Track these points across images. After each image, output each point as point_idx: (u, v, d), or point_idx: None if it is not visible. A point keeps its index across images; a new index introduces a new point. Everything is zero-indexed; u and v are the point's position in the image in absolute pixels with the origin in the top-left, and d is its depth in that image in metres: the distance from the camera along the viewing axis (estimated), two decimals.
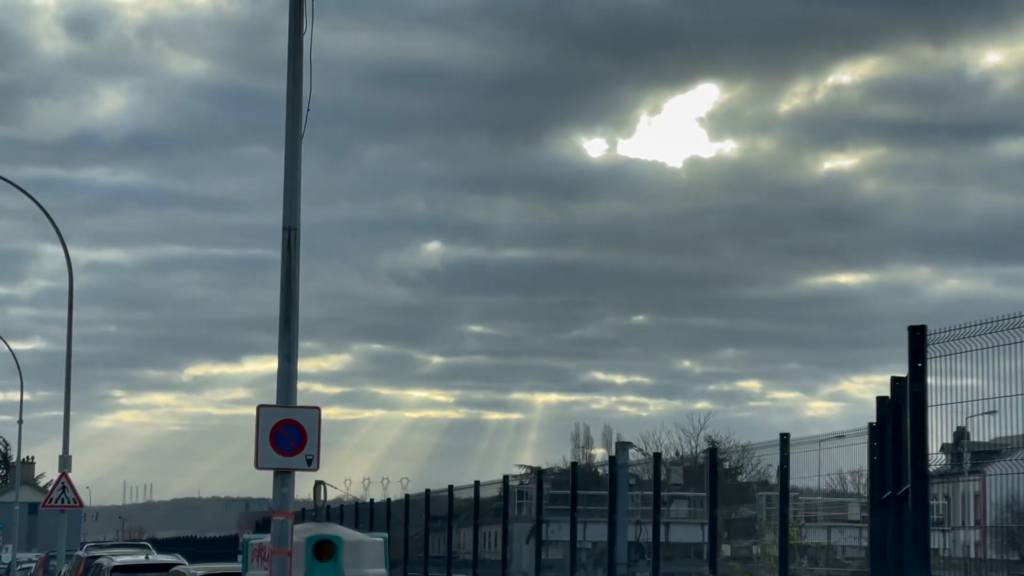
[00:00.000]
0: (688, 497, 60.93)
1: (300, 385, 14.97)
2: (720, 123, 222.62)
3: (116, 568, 25.19)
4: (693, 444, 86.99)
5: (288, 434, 14.88)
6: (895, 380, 10.14)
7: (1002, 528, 22.87)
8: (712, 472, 18.34)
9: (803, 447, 16.75)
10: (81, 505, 36.60)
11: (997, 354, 10.16)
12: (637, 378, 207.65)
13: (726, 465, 76.31)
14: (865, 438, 13.40)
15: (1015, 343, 10.16)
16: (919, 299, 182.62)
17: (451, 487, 31.02)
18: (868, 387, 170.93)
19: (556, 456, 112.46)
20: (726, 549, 60.14)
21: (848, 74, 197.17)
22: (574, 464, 25.59)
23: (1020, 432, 10.57)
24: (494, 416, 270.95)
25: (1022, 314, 10.43)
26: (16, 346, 61.90)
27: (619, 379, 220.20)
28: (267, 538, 16.01)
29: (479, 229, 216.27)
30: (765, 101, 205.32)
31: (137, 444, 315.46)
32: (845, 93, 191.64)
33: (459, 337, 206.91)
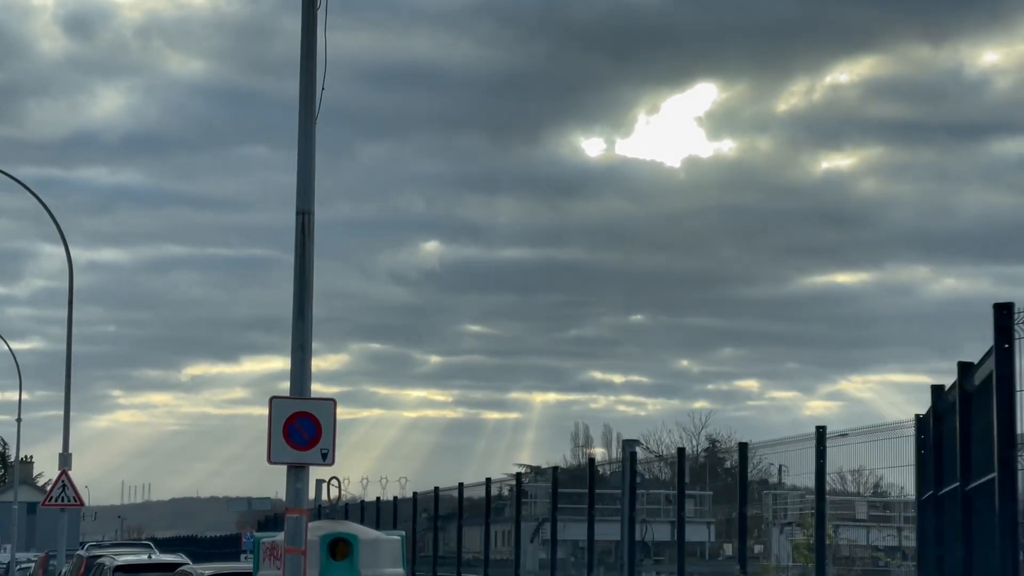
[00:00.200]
0: (694, 496, 60.37)
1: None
2: (718, 123, 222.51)
3: (119, 568, 24.56)
4: (694, 443, 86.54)
5: (302, 427, 14.20)
6: (963, 365, 9.49)
7: None
8: (743, 469, 17.67)
9: (839, 441, 16.06)
10: (82, 504, 35.97)
11: None
12: (635, 377, 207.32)
13: (727, 464, 75.89)
14: (911, 431, 12.77)
15: None
16: (917, 298, 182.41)
17: (461, 484, 30.42)
18: (866, 386, 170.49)
19: (555, 456, 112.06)
20: (727, 548, 59.67)
21: (846, 74, 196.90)
22: (591, 460, 24.98)
23: None
24: (492, 415, 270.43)
25: None
26: (14, 346, 61.28)
27: (617, 378, 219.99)
28: (279, 536, 15.37)
29: (477, 228, 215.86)
30: (763, 101, 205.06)
31: (135, 444, 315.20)
32: (843, 93, 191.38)
33: (457, 337, 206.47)
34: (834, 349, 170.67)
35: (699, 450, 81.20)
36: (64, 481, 35.49)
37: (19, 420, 64.18)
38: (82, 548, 40.67)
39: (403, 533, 15.90)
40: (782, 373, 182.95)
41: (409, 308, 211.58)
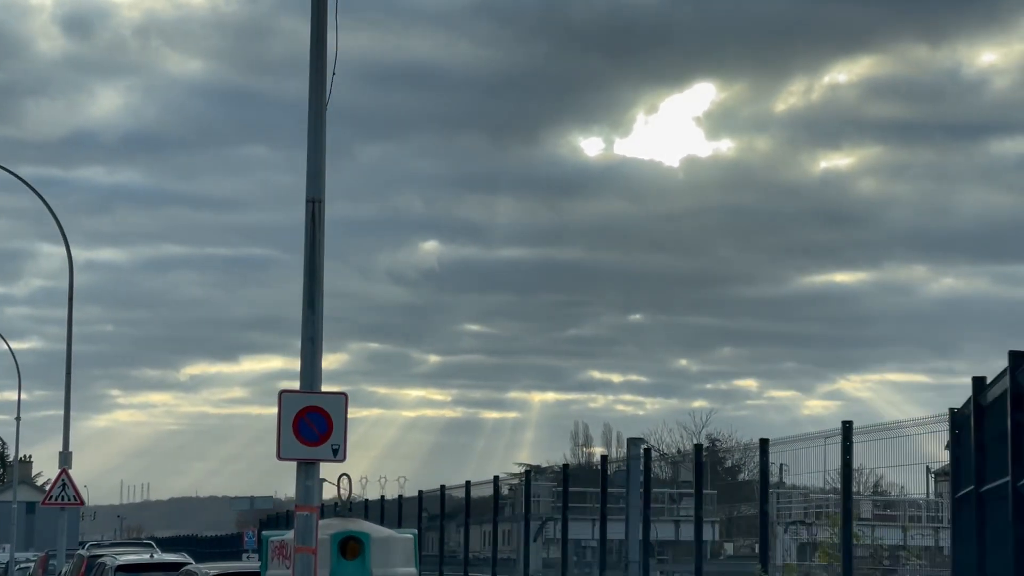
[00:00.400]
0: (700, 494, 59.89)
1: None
2: (717, 122, 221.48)
3: (120, 567, 24.13)
4: (695, 442, 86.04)
5: (313, 422, 13.77)
6: (1015, 355, 9.06)
7: None
8: (763, 467, 17.22)
9: (868, 434, 15.63)
10: (82, 502, 35.52)
11: None
12: (634, 377, 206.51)
13: (728, 463, 75.57)
14: (945, 425, 12.34)
15: None
16: (916, 298, 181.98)
17: (468, 483, 29.96)
18: (865, 385, 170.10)
19: (554, 455, 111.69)
20: (729, 548, 59.09)
21: (844, 73, 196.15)
22: (604, 458, 24.53)
23: None
24: (491, 415, 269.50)
25: None
26: (13, 345, 60.75)
27: (616, 378, 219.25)
28: (288, 535, 14.95)
29: (476, 228, 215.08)
30: (761, 100, 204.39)
31: (134, 443, 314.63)
32: (841, 92, 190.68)
33: (456, 336, 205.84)
34: (833, 349, 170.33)
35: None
36: (64, 480, 35.04)
37: (18, 419, 63.76)
38: (82, 548, 40.23)
39: (415, 531, 15.47)
40: (781, 373, 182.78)
41: (408, 308, 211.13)
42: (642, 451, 25.53)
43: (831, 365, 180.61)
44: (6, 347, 60.31)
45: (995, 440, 9.27)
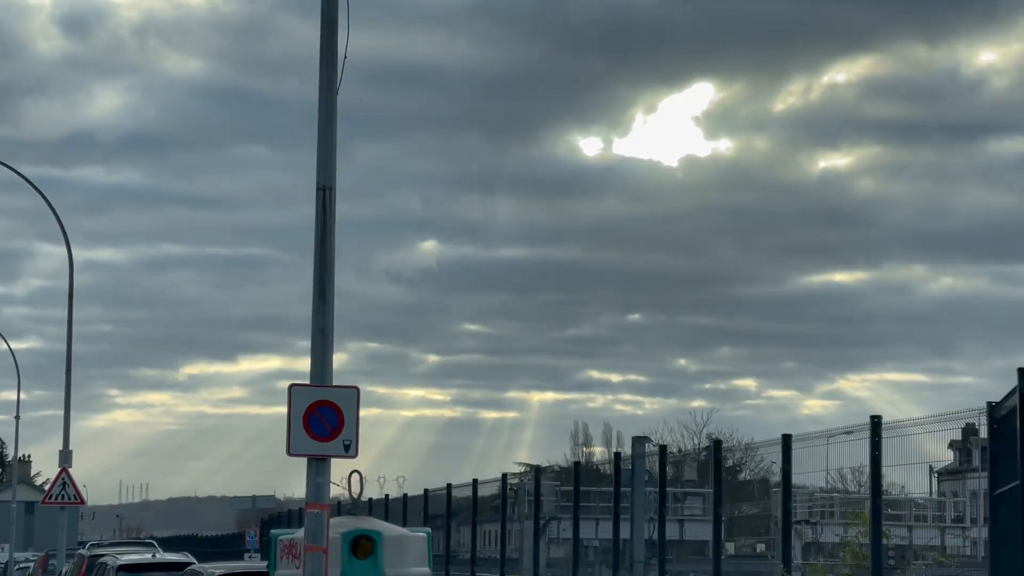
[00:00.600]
0: (701, 494, 59.56)
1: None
2: (715, 122, 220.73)
3: (122, 567, 23.68)
4: (696, 441, 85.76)
5: (324, 416, 13.32)
6: None
7: None
8: (786, 464, 16.73)
9: (894, 430, 15.18)
10: (82, 501, 35.04)
11: None
12: (633, 376, 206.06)
13: (729, 463, 75.00)
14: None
15: None
16: (914, 297, 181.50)
17: (475, 480, 29.51)
18: (864, 385, 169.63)
19: (553, 455, 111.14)
20: (730, 547, 58.66)
21: (843, 73, 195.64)
22: (617, 455, 24.10)
23: None
24: (490, 415, 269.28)
25: None
26: (11, 345, 60.25)
27: (615, 377, 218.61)
28: (298, 533, 14.50)
29: (475, 228, 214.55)
30: (760, 100, 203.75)
31: (133, 443, 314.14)
32: (840, 92, 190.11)
33: (455, 336, 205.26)
34: (832, 348, 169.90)
35: (700, 448, 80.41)
36: (64, 478, 34.56)
37: (17, 418, 63.28)
38: (82, 547, 39.76)
39: (428, 530, 15.00)
40: (780, 372, 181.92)
41: (406, 307, 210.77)
42: (656, 448, 25.14)
43: (830, 365, 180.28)
44: (5, 347, 59.88)
45: None
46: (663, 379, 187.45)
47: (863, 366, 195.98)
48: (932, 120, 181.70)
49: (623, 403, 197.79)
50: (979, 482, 60.73)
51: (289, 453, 13.27)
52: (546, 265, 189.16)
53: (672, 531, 54.73)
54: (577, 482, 24.57)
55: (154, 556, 26.19)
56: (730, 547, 58.73)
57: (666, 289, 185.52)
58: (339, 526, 14.04)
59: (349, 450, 13.39)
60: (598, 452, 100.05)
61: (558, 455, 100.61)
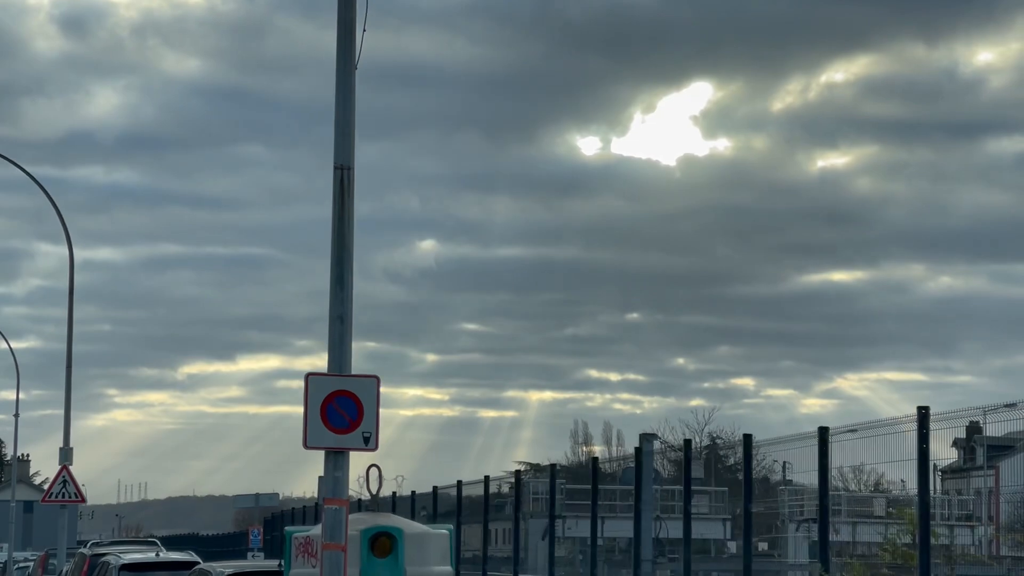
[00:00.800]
0: (709, 492, 59.07)
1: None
2: (714, 121, 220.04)
3: (125, 566, 23.07)
4: (698, 440, 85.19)
5: (342, 407, 12.65)
6: None
7: None
8: (822, 459, 16.06)
9: (944, 421, 14.56)
10: (83, 499, 34.34)
11: None
12: (631, 376, 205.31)
13: (730, 461, 74.50)
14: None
15: None
16: (913, 297, 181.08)
17: (487, 477, 28.86)
18: (862, 384, 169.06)
19: (552, 453, 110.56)
20: (732, 546, 58.00)
21: (841, 72, 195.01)
22: (637, 450, 23.41)
23: None
24: (489, 414, 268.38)
25: None
26: (11, 346, 59.52)
27: (613, 377, 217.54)
28: (313, 530, 13.84)
29: (473, 227, 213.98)
30: (758, 99, 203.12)
31: (132, 443, 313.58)
32: (838, 91, 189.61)
33: (453, 335, 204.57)
34: (830, 347, 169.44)
35: (702, 447, 79.99)
36: (64, 476, 33.89)
37: (16, 416, 62.63)
38: (84, 546, 39.06)
39: (450, 527, 14.32)
40: (778, 371, 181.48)
41: (405, 306, 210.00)
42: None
43: (828, 364, 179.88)
44: (5, 346, 59.29)
45: None
46: (662, 378, 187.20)
47: (861, 365, 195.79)
48: (930, 119, 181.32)
49: (621, 402, 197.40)
50: (984, 480, 60.22)
51: (306, 446, 12.63)
52: (545, 264, 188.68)
53: (678, 529, 54.08)
54: (595, 479, 23.94)
55: (158, 555, 25.56)
56: (732, 546, 58.35)
57: (665, 288, 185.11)
58: (357, 523, 13.38)
59: (369, 443, 12.75)
60: (598, 451, 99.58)
61: (557, 454, 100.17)
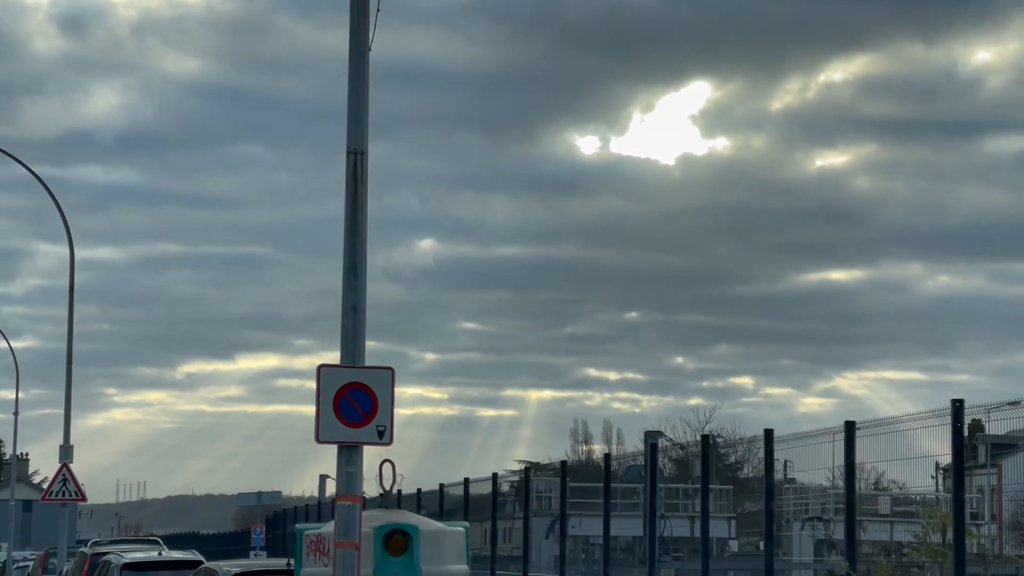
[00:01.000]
0: (712, 490, 58.58)
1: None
2: (712, 121, 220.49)
3: (127, 566, 22.64)
4: (699, 439, 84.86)
5: (355, 400, 12.21)
6: None
7: None
8: (849, 454, 15.60)
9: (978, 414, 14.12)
10: (84, 498, 33.83)
11: None
12: (630, 375, 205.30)
13: (730, 460, 74.04)
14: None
15: None
16: (911, 295, 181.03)
17: (495, 475, 28.47)
18: (861, 383, 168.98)
19: (551, 452, 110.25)
20: (734, 545, 57.63)
21: (840, 72, 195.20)
22: (653, 446, 22.99)
23: None
24: (488, 413, 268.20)
25: None
26: (9, 345, 59.06)
27: (612, 375, 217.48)
28: (325, 528, 13.41)
29: (472, 226, 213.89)
30: (757, 99, 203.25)
31: (130, 442, 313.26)
32: (837, 91, 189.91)
33: (452, 334, 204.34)
34: (828, 346, 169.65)
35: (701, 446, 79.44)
36: (65, 474, 33.40)
37: (16, 414, 62.15)
38: (84, 545, 38.61)
39: (466, 524, 13.88)
40: (776, 370, 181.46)
41: (404, 306, 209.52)
42: (709, 440, 24.09)
43: (827, 363, 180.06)
44: (4, 346, 58.85)
45: None
46: (660, 377, 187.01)
47: (860, 364, 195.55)
48: (929, 119, 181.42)
49: (620, 401, 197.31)
50: (987, 479, 59.86)
51: (318, 440, 12.19)
52: (543, 263, 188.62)
53: (683, 528, 53.72)
54: (608, 475, 23.45)
55: (160, 554, 25.10)
56: (734, 545, 57.94)
57: (663, 287, 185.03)
58: (371, 520, 12.94)
59: (383, 437, 12.30)
60: (598, 449, 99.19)
61: (556, 453, 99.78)
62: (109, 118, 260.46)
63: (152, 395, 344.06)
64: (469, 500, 29.98)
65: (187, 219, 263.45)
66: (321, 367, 12.29)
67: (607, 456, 24.30)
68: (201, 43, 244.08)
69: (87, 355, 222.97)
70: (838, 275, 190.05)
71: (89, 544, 36.93)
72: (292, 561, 15.71)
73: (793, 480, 53.00)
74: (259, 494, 51.37)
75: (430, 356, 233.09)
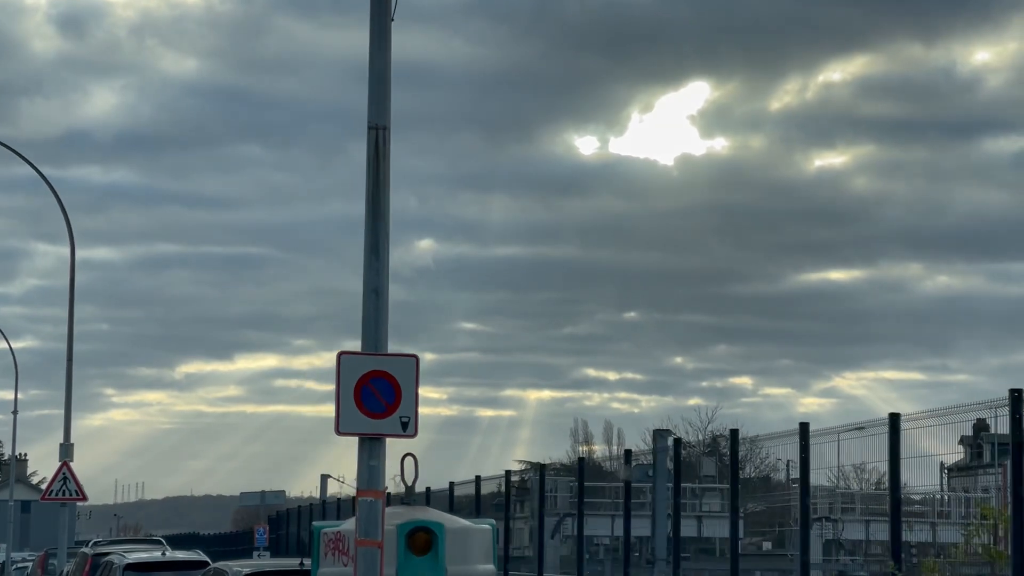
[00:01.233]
0: (722, 489, 57.97)
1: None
2: (711, 121, 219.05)
3: (129, 566, 21.96)
4: (701, 438, 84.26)
5: (377, 389, 11.49)
6: None
7: None
8: (894, 447, 14.87)
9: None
10: (84, 497, 33.10)
11: None
12: (629, 375, 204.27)
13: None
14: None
15: None
16: (910, 295, 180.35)
17: (508, 473, 27.75)
18: (860, 383, 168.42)
19: (553, 452, 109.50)
20: (740, 545, 56.78)
21: (839, 72, 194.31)
22: (677, 441, 22.23)
23: None
24: (487, 413, 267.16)
25: None
26: (6, 345, 58.27)
27: (611, 375, 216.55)
28: (344, 525, 12.69)
29: (471, 226, 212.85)
30: (756, 99, 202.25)
31: (129, 442, 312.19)
32: (835, 91, 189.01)
33: (451, 334, 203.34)
34: (828, 346, 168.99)
35: (704, 446, 79.15)
36: (65, 473, 32.67)
37: (15, 413, 61.43)
38: (85, 545, 37.88)
39: (492, 522, 13.14)
40: (776, 370, 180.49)
41: (403, 306, 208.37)
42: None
43: (826, 363, 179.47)
44: (2, 346, 58.17)
45: None
46: (659, 377, 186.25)
47: (859, 364, 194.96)
48: (927, 119, 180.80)
49: (619, 401, 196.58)
50: (994, 478, 59.27)
51: (338, 432, 11.47)
52: (542, 263, 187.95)
53: (690, 528, 52.92)
54: (627, 476, 22.72)
55: (164, 555, 24.39)
56: (738, 545, 57.23)
57: (662, 287, 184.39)
58: (393, 517, 12.20)
59: (407, 428, 11.59)
60: (598, 449, 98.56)
61: (556, 453, 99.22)
62: (107, 118, 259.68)
63: (150, 395, 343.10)
64: (465, 501, 29.42)
65: (186, 219, 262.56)
66: (341, 354, 11.58)
67: (627, 452, 23.50)
68: (200, 43, 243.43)
69: (85, 355, 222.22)
70: (837, 275, 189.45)
71: (90, 544, 36.19)
72: (305, 561, 15.01)
73: (796, 480, 52.28)
74: (262, 493, 50.70)
75: (429, 356, 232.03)
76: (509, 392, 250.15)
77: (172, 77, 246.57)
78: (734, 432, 18.69)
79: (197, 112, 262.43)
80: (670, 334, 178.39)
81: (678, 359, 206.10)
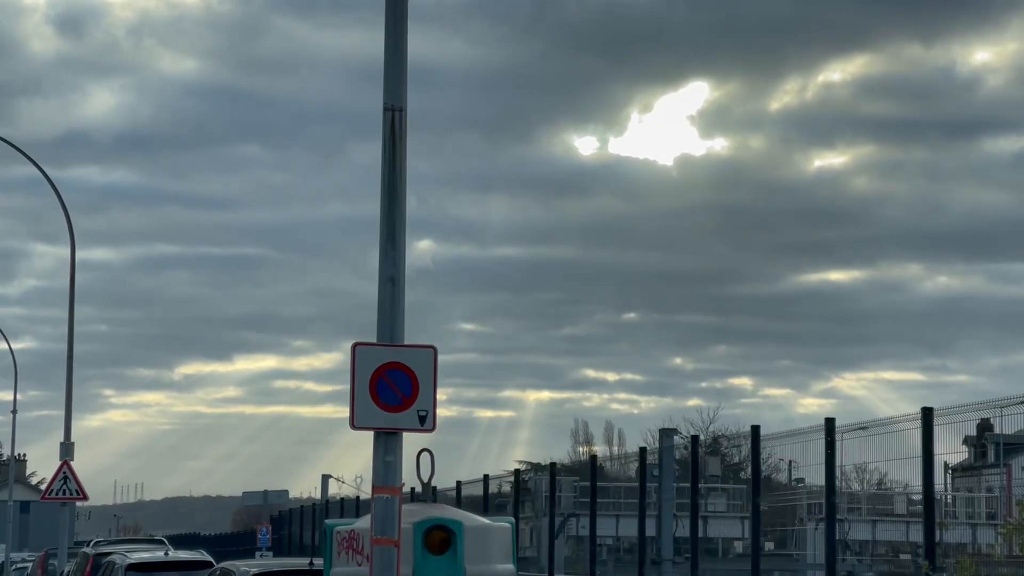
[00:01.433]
0: (727, 489, 57.56)
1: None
2: (711, 121, 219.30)
3: (132, 566, 21.56)
4: (703, 439, 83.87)
5: (394, 381, 11.04)
6: None
7: None
8: (927, 442, 14.43)
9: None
10: (85, 497, 32.64)
11: None
12: (628, 375, 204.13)
13: (735, 459, 72.89)
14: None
15: None
16: (910, 296, 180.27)
17: (517, 471, 27.38)
18: (859, 384, 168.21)
19: (552, 453, 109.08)
20: (738, 546, 56.32)
21: (838, 72, 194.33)
22: (695, 438, 21.81)
23: None
24: (486, 414, 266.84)
25: None
26: (5, 345, 57.87)
27: (611, 376, 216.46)
28: (358, 523, 12.24)
29: (470, 227, 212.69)
30: (756, 99, 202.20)
31: (128, 443, 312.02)
32: (835, 91, 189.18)
33: (450, 335, 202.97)
34: (827, 347, 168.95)
35: (706, 446, 78.75)
36: (65, 472, 32.21)
37: (14, 413, 60.99)
38: (86, 545, 37.44)
39: (512, 519, 12.67)
40: (775, 371, 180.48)
41: None
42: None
43: (826, 363, 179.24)
44: (2, 347, 57.79)
45: None
46: (659, 378, 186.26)
47: (859, 364, 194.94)
48: (927, 119, 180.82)
49: (619, 402, 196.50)
50: (999, 478, 58.90)
51: (353, 426, 11.00)
52: (542, 264, 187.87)
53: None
54: (643, 474, 22.31)
55: (167, 555, 23.95)
56: (738, 546, 56.87)
57: (662, 288, 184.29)
58: (409, 515, 11.73)
59: (425, 422, 11.13)
60: (598, 450, 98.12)
61: (555, 454, 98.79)
62: (106, 119, 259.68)
63: (149, 396, 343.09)
64: (469, 500, 29.03)
65: (185, 220, 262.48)
66: (356, 345, 11.13)
67: (642, 450, 23.03)
68: (198, 43, 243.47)
69: (84, 356, 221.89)
70: (837, 275, 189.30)
71: (91, 544, 35.76)
72: (315, 560, 14.58)
73: (801, 479, 52.09)
74: (265, 493, 50.25)
75: None
76: (508, 393, 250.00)
77: (171, 77, 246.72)
78: (755, 428, 18.22)
79: (196, 112, 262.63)
80: (669, 335, 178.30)
81: (677, 360, 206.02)
